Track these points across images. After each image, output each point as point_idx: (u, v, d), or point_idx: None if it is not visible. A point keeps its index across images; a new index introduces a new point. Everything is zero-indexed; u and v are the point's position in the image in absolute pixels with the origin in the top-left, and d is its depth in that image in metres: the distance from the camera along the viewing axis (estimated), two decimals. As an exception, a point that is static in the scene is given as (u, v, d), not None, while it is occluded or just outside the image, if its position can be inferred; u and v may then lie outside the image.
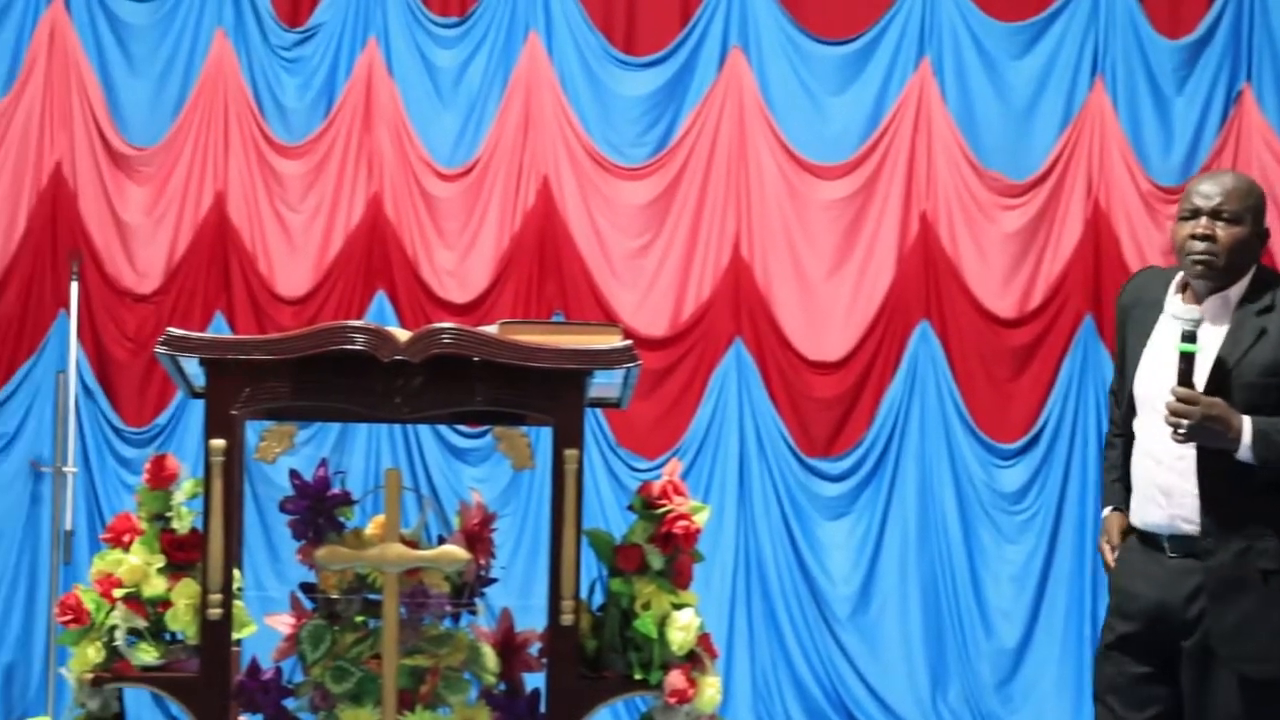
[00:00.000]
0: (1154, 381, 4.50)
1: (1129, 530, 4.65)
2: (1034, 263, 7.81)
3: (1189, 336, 4.35)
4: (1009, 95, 7.84)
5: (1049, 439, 7.76)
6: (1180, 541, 4.47)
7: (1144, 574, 4.53)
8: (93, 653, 3.82)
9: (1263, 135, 7.64)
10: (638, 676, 3.85)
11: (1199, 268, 4.43)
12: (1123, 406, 4.65)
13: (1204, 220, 4.42)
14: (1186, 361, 4.35)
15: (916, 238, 7.84)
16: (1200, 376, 4.38)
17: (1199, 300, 4.49)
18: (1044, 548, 7.72)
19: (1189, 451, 4.42)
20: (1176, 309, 4.45)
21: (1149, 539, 4.54)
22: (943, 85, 7.84)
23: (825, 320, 7.87)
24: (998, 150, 7.84)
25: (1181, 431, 4.35)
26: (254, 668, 3.88)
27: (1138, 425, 4.56)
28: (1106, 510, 4.76)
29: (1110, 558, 4.68)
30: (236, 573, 3.89)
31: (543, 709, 3.88)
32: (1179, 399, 4.34)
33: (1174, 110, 7.77)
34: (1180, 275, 4.56)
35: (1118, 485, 4.69)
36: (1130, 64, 7.77)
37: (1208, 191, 4.46)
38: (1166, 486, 4.47)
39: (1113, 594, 4.64)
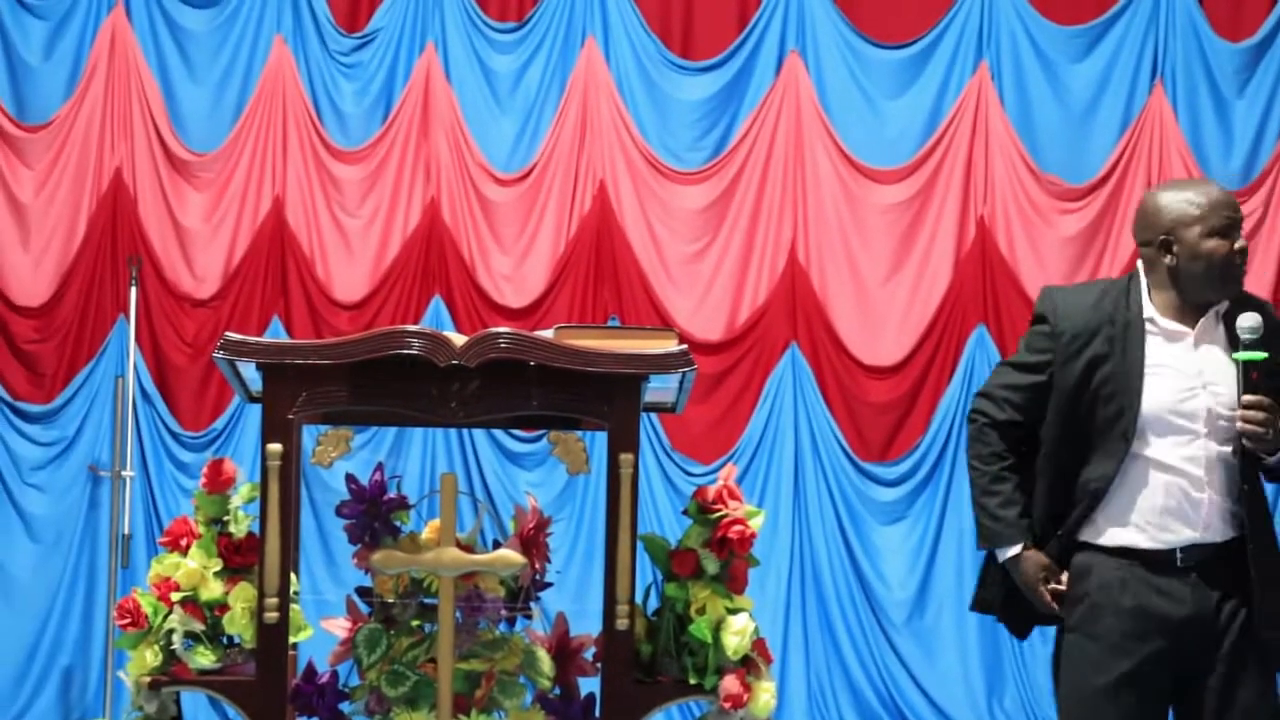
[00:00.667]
0: (1172, 398, 4.34)
1: (1083, 554, 4.44)
2: (1092, 267, 7.79)
3: (1254, 345, 4.25)
4: (1067, 99, 7.82)
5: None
6: (1197, 551, 4.36)
7: (1162, 591, 4.35)
8: (150, 656, 3.84)
9: (1324, 137, 7.60)
10: (692, 681, 3.85)
11: (1237, 285, 4.35)
12: (1102, 430, 4.38)
13: (1239, 235, 4.34)
14: (1253, 370, 4.26)
15: (974, 242, 7.82)
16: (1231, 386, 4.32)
17: (1183, 315, 4.36)
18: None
19: (1214, 464, 4.34)
20: (1242, 321, 4.27)
21: (1148, 557, 4.37)
22: (1001, 89, 7.83)
23: (881, 325, 7.86)
24: (1056, 154, 7.83)
25: (1263, 440, 4.26)
26: (310, 671, 3.90)
27: (1151, 449, 4.34)
28: (1015, 549, 4.43)
29: (1049, 599, 4.43)
30: (293, 576, 3.91)
31: (598, 713, 3.88)
32: (1257, 407, 4.23)
33: (1234, 113, 7.74)
34: (1144, 286, 4.39)
35: (1023, 520, 4.44)
36: (1190, 67, 7.74)
37: (1232, 204, 4.33)
38: (1202, 502, 4.35)
39: (1118, 621, 4.36)
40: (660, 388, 4.03)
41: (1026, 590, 4.44)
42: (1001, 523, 4.43)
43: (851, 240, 7.86)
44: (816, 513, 7.81)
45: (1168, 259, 4.31)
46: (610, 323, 7.66)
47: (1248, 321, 4.28)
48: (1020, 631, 4.66)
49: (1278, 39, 7.67)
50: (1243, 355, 4.27)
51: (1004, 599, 4.55)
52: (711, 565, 3.90)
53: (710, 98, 7.89)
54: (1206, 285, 4.31)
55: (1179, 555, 4.35)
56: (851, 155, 7.85)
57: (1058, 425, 4.41)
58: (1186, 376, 4.33)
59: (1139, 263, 4.38)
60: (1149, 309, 4.36)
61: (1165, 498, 4.36)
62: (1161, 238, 4.31)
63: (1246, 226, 7.46)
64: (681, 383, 3.99)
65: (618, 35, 7.88)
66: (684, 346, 3.84)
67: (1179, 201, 4.31)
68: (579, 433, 3.97)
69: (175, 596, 3.85)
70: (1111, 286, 4.45)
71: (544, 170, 7.84)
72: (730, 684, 3.82)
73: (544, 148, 7.84)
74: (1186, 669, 4.39)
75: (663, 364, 3.80)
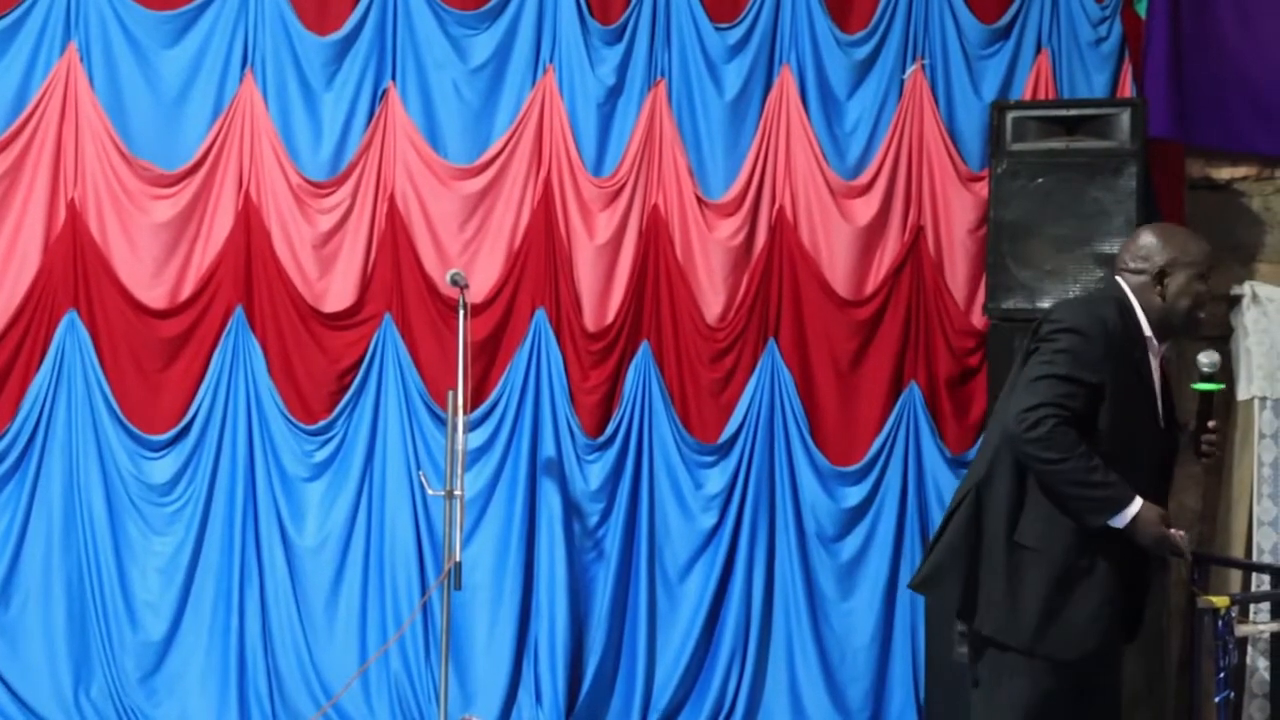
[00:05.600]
0: (1159, 410, 5.16)
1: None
2: (185, 253, 7.91)
3: (1215, 377, 5.24)
4: (159, 85, 7.90)
5: (200, 429, 7.88)
6: None
7: None
8: None
9: (406, 132, 7.99)
10: None
11: (1201, 325, 5.22)
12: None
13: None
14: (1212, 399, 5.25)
15: (65, 226, 7.82)
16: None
17: (1159, 339, 5.16)
18: (193, 539, 7.86)
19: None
20: (1204, 357, 5.23)
21: None
22: (91, 71, 7.84)
23: (-37, 311, 7.76)
24: (149, 139, 7.91)
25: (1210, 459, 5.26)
26: None
27: (1146, 456, 5.11)
28: (1136, 504, 4.95)
29: (1177, 540, 5.01)
30: None
31: None
32: (1215, 432, 5.23)
33: (323, 106, 7.99)
34: (1137, 308, 5.12)
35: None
36: (280, 58, 7.96)
37: (1214, 256, 5.22)
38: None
39: None
40: None
41: (1153, 539, 4.96)
42: (1113, 487, 4.92)
43: (-67, 224, 7.71)
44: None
45: (1158, 289, 5.07)
46: None
47: (1210, 358, 5.18)
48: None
49: (363, 34, 7.94)
50: (1204, 386, 5.17)
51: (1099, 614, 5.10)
52: None
53: None
54: (1186, 320, 5.11)
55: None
56: (-70, 135, 7.70)
57: (1109, 426, 5.01)
58: (1158, 393, 5.11)
59: (1122, 281, 5.14)
60: (1146, 328, 5.09)
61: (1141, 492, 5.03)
62: (1159, 270, 5.07)
63: (335, 217, 7.89)
64: None
65: None
66: None
67: (1178, 244, 5.12)
68: None
69: None
70: (1110, 301, 5.12)
71: None
72: None
73: None
74: None
75: None
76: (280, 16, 7.93)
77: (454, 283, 7.28)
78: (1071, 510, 4.97)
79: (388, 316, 7.94)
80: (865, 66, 8.15)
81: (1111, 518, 4.94)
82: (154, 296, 7.88)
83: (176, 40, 7.89)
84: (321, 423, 7.95)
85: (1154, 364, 5.17)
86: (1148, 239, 5.20)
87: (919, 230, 8.10)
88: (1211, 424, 5.25)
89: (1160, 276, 5.13)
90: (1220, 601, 6.43)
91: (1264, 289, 7.90)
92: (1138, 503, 4.94)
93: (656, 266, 8.08)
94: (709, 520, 8.06)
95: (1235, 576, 7.88)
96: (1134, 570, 5.16)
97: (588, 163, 8.05)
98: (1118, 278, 5.20)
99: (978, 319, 8.00)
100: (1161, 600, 7.37)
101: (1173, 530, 4.97)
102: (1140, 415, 5.11)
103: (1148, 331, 5.15)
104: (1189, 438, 5.29)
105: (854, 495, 8.09)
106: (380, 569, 7.95)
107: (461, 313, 7.28)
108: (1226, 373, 7.89)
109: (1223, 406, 7.98)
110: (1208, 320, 5.28)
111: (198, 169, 7.90)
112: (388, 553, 7.94)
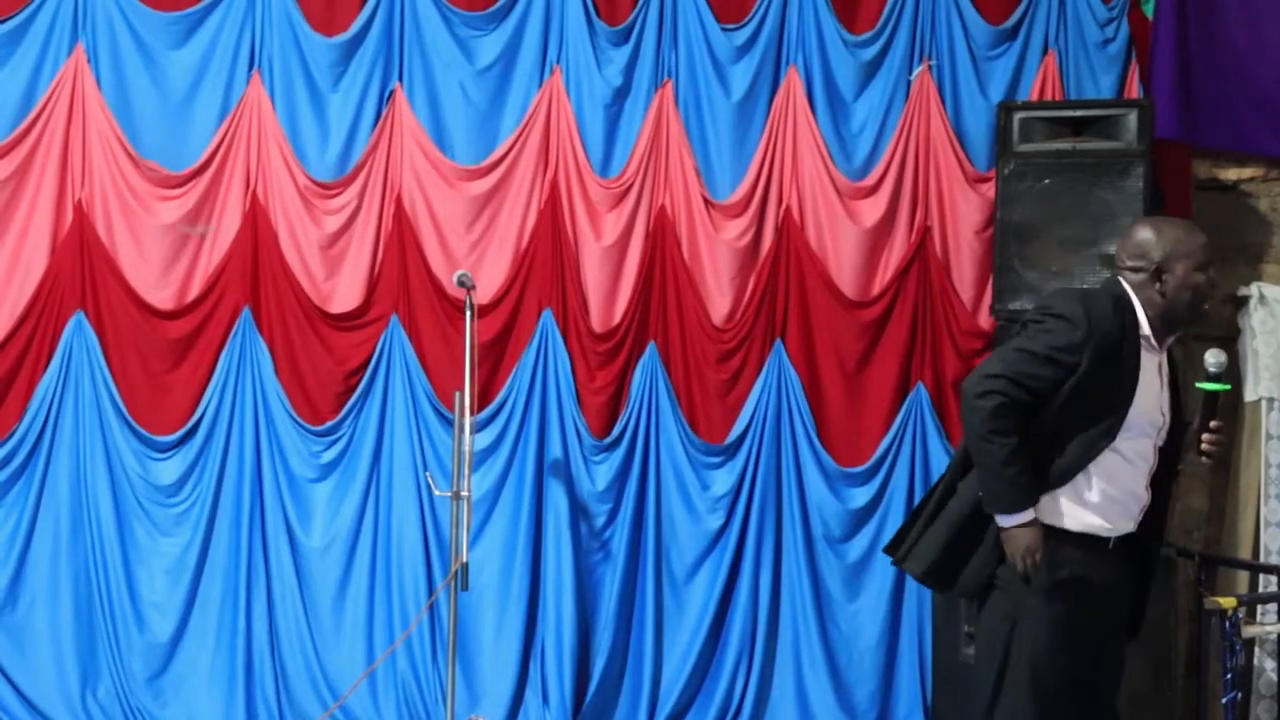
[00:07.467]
0: (1151, 406, 5.13)
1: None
2: (192, 254, 7.95)
3: (1221, 378, 5.23)
4: (166, 86, 7.91)
5: (206, 431, 7.91)
6: (1122, 538, 5.21)
7: (1102, 570, 5.20)
8: None
9: (414, 134, 8.00)
10: None
11: (1203, 315, 5.23)
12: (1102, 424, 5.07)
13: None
14: (1217, 399, 5.25)
15: (71, 227, 7.84)
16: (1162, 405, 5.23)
17: (1159, 334, 5.19)
18: (200, 540, 7.87)
19: (1152, 465, 5.22)
20: (1210, 356, 5.22)
21: (1094, 541, 5.17)
22: (98, 73, 7.86)
23: (-23, 310, 7.79)
24: (156, 141, 7.92)
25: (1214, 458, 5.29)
26: None
27: (1122, 446, 5.09)
28: (1029, 514, 5.13)
29: (1034, 564, 5.13)
30: None
31: None
32: (1220, 431, 5.26)
33: (330, 107, 8.00)
34: (1136, 304, 5.15)
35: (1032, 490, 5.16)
36: (287, 59, 7.98)
37: (1210, 245, 5.18)
38: (1144, 498, 5.22)
39: (1087, 591, 5.18)
40: None
41: (1019, 554, 5.11)
42: (1021, 490, 5.07)
43: (-53, 222, 7.75)
44: (-100, 507, 7.70)
45: (1157, 285, 5.11)
46: None
47: (1216, 357, 5.21)
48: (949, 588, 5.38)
49: (369, 36, 7.95)
50: (1209, 385, 5.20)
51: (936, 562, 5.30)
52: None
53: None
54: (1189, 312, 5.15)
55: (1112, 542, 5.19)
56: (-55, 136, 7.73)
57: (1057, 415, 5.09)
58: (1156, 389, 5.14)
59: (1122, 280, 5.18)
60: (1145, 327, 5.12)
61: (1122, 490, 5.12)
62: (1155, 266, 5.11)
63: (343, 218, 7.91)
64: None
65: None
66: None
67: (1172, 237, 5.15)
68: None
69: None
70: (1108, 296, 5.15)
71: None
72: None
73: None
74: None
75: None
76: (287, 17, 7.95)
77: (461, 284, 7.30)
78: (978, 486, 5.18)
79: (394, 317, 7.96)
80: (872, 67, 8.16)
81: (1000, 514, 5.14)
82: (161, 298, 7.90)
83: (184, 41, 7.91)
84: (328, 424, 7.97)
85: (1151, 364, 5.17)
86: (1143, 235, 5.23)
87: (926, 231, 8.12)
88: (1214, 424, 5.27)
89: (1158, 273, 5.15)
90: (1227, 603, 6.46)
91: (1271, 290, 7.92)
92: (1024, 517, 5.11)
93: (663, 267, 8.09)
94: (716, 521, 8.08)
95: (1242, 578, 7.90)
96: (1136, 556, 5.33)
97: (594, 164, 8.06)
98: (1118, 276, 5.24)
99: (984, 320, 8.01)
100: (1168, 602, 7.37)
101: (1033, 559, 5.09)
102: (1109, 410, 5.10)
103: (1146, 330, 5.17)
104: (1192, 436, 5.30)
105: (861, 496, 8.11)
106: (387, 570, 7.97)
107: (468, 313, 7.30)
108: (1234, 374, 7.92)
109: (1230, 408, 8.00)
110: (1214, 317, 5.32)
111: (205, 170, 7.92)
112: (394, 554, 7.96)
